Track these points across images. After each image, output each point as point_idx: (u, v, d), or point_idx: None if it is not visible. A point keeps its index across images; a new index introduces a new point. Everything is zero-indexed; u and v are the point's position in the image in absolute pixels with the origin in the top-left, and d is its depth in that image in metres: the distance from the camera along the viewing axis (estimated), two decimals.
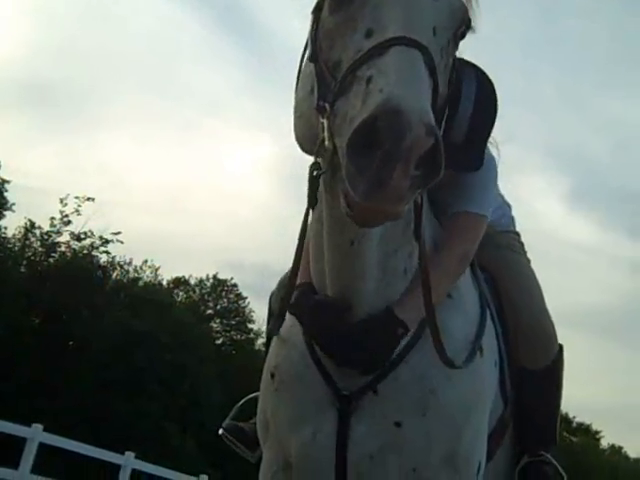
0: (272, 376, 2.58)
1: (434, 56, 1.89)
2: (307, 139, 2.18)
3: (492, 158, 2.83)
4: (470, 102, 2.49)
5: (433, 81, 1.87)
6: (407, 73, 1.75)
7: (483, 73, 2.59)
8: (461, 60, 2.57)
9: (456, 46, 2.18)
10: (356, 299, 2.31)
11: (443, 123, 2.11)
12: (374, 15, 1.95)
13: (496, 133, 2.68)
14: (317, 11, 2.22)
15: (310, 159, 2.13)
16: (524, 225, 3.59)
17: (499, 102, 2.58)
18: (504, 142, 2.96)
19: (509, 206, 3.48)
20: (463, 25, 2.13)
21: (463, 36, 2.17)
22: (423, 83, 1.79)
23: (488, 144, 2.70)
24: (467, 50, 2.27)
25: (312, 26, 2.23)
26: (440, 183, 2.53)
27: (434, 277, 2.34)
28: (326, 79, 2.01)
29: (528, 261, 3.37)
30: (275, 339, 2.68)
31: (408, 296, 2.38)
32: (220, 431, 3.17)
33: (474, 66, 2.59)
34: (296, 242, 2.39)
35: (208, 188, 71.74)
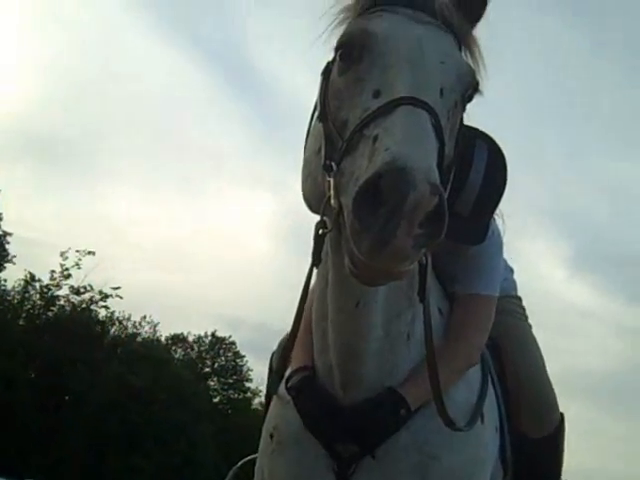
0: (271, 437, 2.54)
1: (441, 117, 1.89)
2: (314, 198, 2.17)
3: (499, 233, 2.83)
4: (479, 175, 2.49)
5: (439, 142, 1.86)
6: (413, 132, 1.75)
7: (495, 146, 2.60)
8: (475, 131, 2.61)
9: (463, 108, 2.17)
10: (358, 362, 2.28)
11: (449, 186, 2.09)
12: (382, 76, 1.96)
13: (502, 205, 2.69)
14: (326, 72, 2.23)
15: (317, 218, 2.10)
16: (526, 288, 3.58)
17: (509, 177, 2.60)
18: (510, 215, 2.97)
19: (511, 270, 3.44)
20: (470, 88, 2.12)
21: (470, 99, 2.16)
22: (429, 143, 1.79)
23: (494, 216, 2.73)
24: (473, 112, 2.28)
25: (321, 87, 2.23)
26: (446, 251, 2.59)
27: (450, 367, 2.38)
28: (333, 138, 2.02)
29: (530, 327, 3.34)
30: (275, 399, 2.64)
31: (414, 376, 2.35)
32: None
33: (487, 137, 2.61)
34: (297, 301, 2.36)
35: (209, 245, 71.87)
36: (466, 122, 2.24)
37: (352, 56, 2.06)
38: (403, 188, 1.58)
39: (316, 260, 2.15)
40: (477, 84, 2.14)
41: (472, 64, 2.20)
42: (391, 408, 2.30)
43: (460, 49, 2.20)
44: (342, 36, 2.14)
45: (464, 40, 2.21)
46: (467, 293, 2.69)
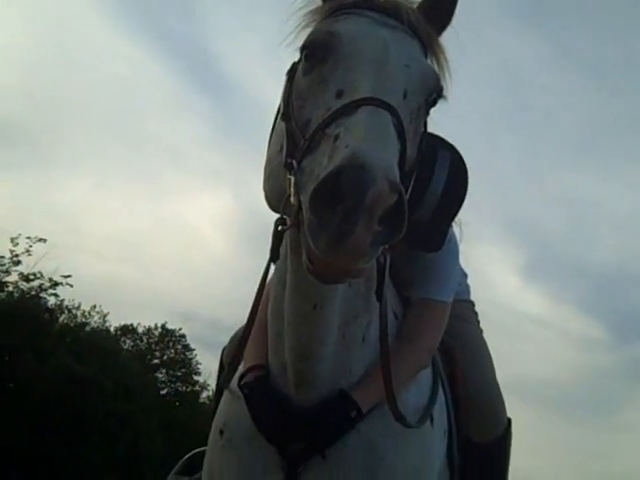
0: (221, 433, 2.55)
1: (403, 119, 1.91)
2: (275, 196, 2.19)
3: (455, 241, 2.88)
4: (441, 183, 2.52)
5: (401, 143, 1.88)
6: (374, 131, 1.76)
7: (458, 155, 2.64)
8: (439, 139, 2.64)
9: (427, 113, 2.19)
10: (312, 363, 2.30)
11: (409, 189, 2.10)
12: (345, 77, 1.97)
13: (461, 213, 2.72)
14: (291, 72, 2.26)
15: (277, 216, 2.12)
16: (479, 294, 3.64)
17: (469, 188, 2.63)
18: (468, 222, 3.01)
19: (465, 275, 3.51)
20: (434, 92, 2.15)
21: (434, 103, 2.18)
22: (390, 142, 1.80)
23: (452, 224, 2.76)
24: (433, 118, 2.30)
25: (285, 86, 2.26)
26: (402, 256, 2.61)
27: (403, 369, 2.40)
28: (296, 137, 2.03)
29: (481, 331, 3.39)
30: (225, 394, 2.67)
31: (367, 379, 2.38)
32: None
33: (451, 147, 2.65)
34: (252, 298, 2.35)
35: (164, 238, 71.25)
36: (430, 129, 2.27)
37: (317, 56, 2.07)
38: (362, 184, 1.59)
39: (274, 256, 2.19)
40: (441, 89, 2.17)
41: (437, 70, 2.22)
42: (342, 410, 2.32)
43: (426, 55, 2.21)
44: (308, 36, 2.16)
45: (430, 46, 2.25)
46: (422, 298, 2.72)
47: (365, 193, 1.58)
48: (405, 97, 2.00)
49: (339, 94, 1.94)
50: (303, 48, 2.15)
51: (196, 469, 3.14)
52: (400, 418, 2.22)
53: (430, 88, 2.13)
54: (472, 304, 3.51)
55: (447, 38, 2.31)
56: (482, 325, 3.46)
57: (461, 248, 2.94)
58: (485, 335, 3.40)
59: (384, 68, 1.99)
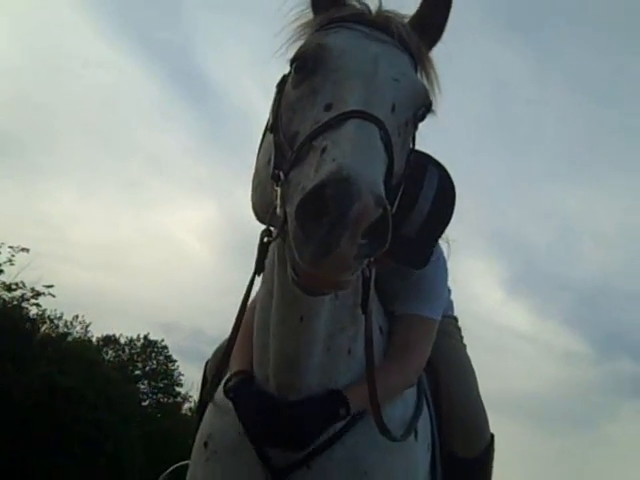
0: (205, 445, 2.55)
1: (391, 132, 1.92)
2: (262, 208, 2.20)
3: (444, 259, 2.89)
4: (428, 201, 2.55)
5: (388, 156, 1.89)
6: (361, 145, 1.76)
7: (446, 173, 2.67)
8: (428, 157, 2.66)
9: (415, 127, 2.19)
10: (298, 375, 2.31)
11: (396, 203, 2.11)
12: (334, 90, 1.98)
13: (449, 230, 2.74)
14: (281, 84, 2.27)
15: (263, 227, 2.14)
16: (462, 307, 3.65)
17: (457, 205, 2.65)
18: (455, 239, 3.02)
19: (449, 290, 3.50)
20: (423, 107, 2.16)
21: (423, 118, 2.19)
22: (377, 156, 1.81)
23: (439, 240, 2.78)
24: (421, 131, 2.30)
25: (275, 99, 2.27)
26: (389, 272, 2.62)
27: (390, 386, 2.43)
28: (283, 149, 2.03)
29: (464, 347, 3.40)
30: (210, 407, 2.67)
31: (357, 383, 2.38)
32: None
33: (439, 165, 2.67)
34: (237, 309, 2.38)
35: (148, 248, 70.92)
36: (417, 142, 2.29)
37: (306, 69, 2.10)
38: (347, 198, 1.60)
39: (259, 268, 2.21)
40: (430, 104, 2.19)
41: (427, 84, 2.24)
42: (330, 405, 2.32)
43: (416, 69, 2.24)
44: (298, 49, 2.18)
45: (420, 61, 2.27)
46: (410, 313, 2.72)
47: (350, 206, 1.59)
48: (393, 111, 2.02)
49: (328, 107, 1.95)
50: (293, 60, 2.17)
51: None
52: (385, 431, 2.23)
53: (419, 102, 2.14)
54: (456, 320, 3.52)
55: (436, 50, 2.32)
56: (465, 340, 3.48)
57: (449, 265, 2.96)
58: (468, 350, 3.42)
59: (373, 82, 2.00)
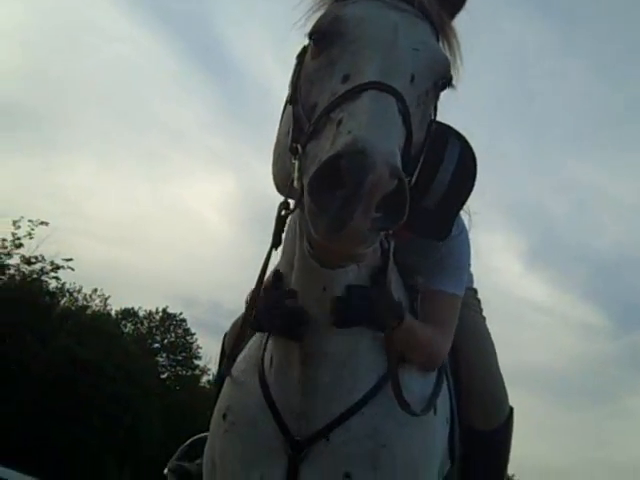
0: (224, 417, 2.53)
1: (409, 103, 1.89)
2: (282, 180, 2.18)
3: (466, 233, 2.85)
4: (449, 172, 2.50)
5: (406, 127, 1.87)
6: (377, 116, 1.75)
7: (468, 146, 2.62)
8: (449, 128, 2.62)
9: (436, 97, 2.15)
10: (323, 342, 2.29)
11: (416, 173, 2.08)
12: (352, 61, 1.96)
13: (470, 202, 2.70)
14: (301, 56, 2.24)
15: (280, 199, 2.13)
16: (481, 280, 3.63)
17: (478, 177, 2.61)
18: (476, 212, 2.98)
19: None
20: (443, 77, 2.11)
21: (444, 87, 2.15)
22: (393, 127, 1.79)
23: (461, 213, 2.74)
24: (442, 103, 2.27)
25: (295, 70, 2.24)
26: (412, 246, 2.59)
27: (418, 331, 2.45)
28: (302, 121, 2.02)
29: (483, 319, 3.37)
30: (228, 380, 2.65)
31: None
32: (165, 471, 3.12)
33: (461, 136, 2.63)
34: (255, 282, 2.35)
35: (167, 221, 71.33)
36: (438, 116, 2.25)
37: (325, 41, 2.06)
38: (362, 169, 1.57)
39: (276, 241, 2.19)
40: (450, 74, 2.13)
41: (448, 54, 2.18)
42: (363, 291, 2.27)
43: (438, 38, 2.19)
44: (317, 21, 2.14)
45: (442, 29, 2.21)
46: (436, 289, 2.70)
47: (364, 178, 1.57)
48: (412, 81, 1.97)
49: (345, 78, 1.92)
50: (312, 33, 2.13)
51: (197, 455, 3.13)
52: (404, 406, 2.22)
53: (439, 72, 2.09)
54: (475, 292, 3.49)
55: (458, 21, 2.28)
56: (484, 312, 3.45)
57: (470, 237, 2.92)
58: (487, 323, 3.39)
59: (391, 52, 1.96)
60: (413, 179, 1.97)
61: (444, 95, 2.19)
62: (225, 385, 2.66)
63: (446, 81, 2.13)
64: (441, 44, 2.20)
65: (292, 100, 2.16)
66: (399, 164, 1.66)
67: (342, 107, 1.82)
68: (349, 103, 1.81)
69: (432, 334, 2.57)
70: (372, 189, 1.57)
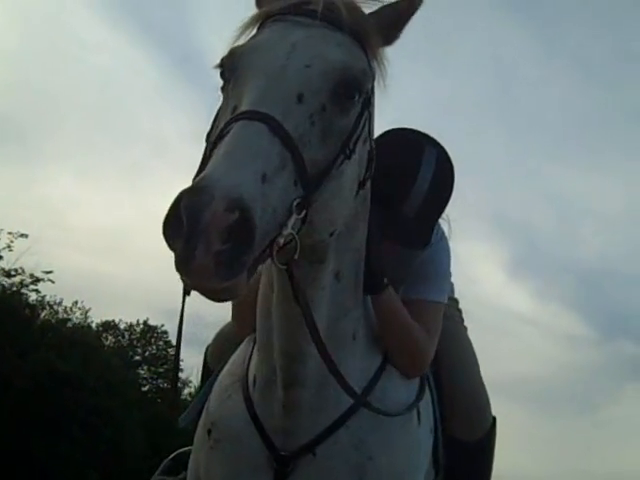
0: (209, 433, 2.54)
1: (298, 123, 1.87)
2: None
3: (446, 240, 2.87)
4: (426, 181, 2.52)
5: (289, 149, 1.81)
6: (233, 149, 1.73)
7: (444, 152, 2.64)
8: (425, 136, 2.64)
9: (347, 107, 2.04)
10: (301, 363, 2.30)
11: (322, 187, 1.96)
12: (239, 90, 1.98)
13: (449, 210, 2.72)
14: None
15: None
16: (463, 290, 3.64)
17: (455, 186, 2.63)
18: (456, 219, 2.99)
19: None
20: (346, 85, 2.01)
21: (352, 95, 2.03)
22: (250, 157, 1.73)
23: (440, 220, 2.76)
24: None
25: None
26: (396, 257, 2.61)
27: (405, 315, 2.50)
28: (205, 159, 2.00)
29: (465, 329, 3.40)
30: (212, 394, 2.67)
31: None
32: None
33: (437, 144, 2.64)
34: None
35: (149, 232, 70.66)
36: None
37: (225, 74, 2.09)
38: (197, 207, 1.59)
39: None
40: (355, 78, 2.05)
41: (350, 59, 2.08)
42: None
43: (360, 42, 2.12)
44: (221, 56, 2.13)
45: (359, 33, 2.12)
46: (418, 298, 2.72)
47: (200, 216, 1.58)
48: (300, 100, 1.92)
49: (233, 111, 1.94)
50: (216, 68, 2.15)
51: (180, 470, 3.13)
52: (353, 394, 2.27)
53: (334, 82, 1.99)
54: (456, 302, 3.52)
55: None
56: (466, 322, 3.47)
57: (450, 245, 2.94)
58: (469, 332, 3.41)
59: (274, 76, 1.93)
60: (317, 196, 1.93)
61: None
62: (210, 399, 2.67)
63: (352, 88, 2.04)
64: (359, 47, 2.12)
65: (206, 137, 2.15)
66: (245, 195, 1.63)
67: (220, 142, 1.82)
68: (224, 137, 1.81)
69: (417, 333, 2.59)
70: (208, 226, 1.57)
